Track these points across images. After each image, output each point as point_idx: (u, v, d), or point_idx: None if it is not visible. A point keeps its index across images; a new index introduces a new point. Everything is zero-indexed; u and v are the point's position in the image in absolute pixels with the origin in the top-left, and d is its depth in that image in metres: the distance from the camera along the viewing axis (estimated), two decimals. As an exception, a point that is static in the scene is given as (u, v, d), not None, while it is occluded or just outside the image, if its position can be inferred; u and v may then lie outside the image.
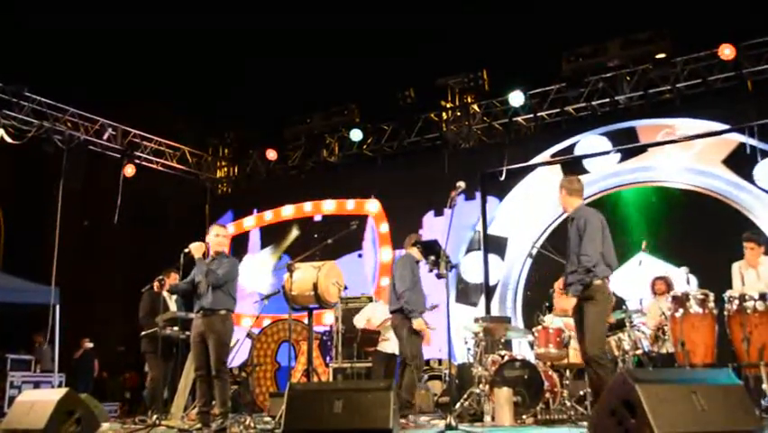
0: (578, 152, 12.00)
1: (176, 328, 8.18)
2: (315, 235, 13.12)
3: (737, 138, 10.75)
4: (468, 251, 12.41)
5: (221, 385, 6.40)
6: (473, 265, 12.37)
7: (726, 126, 10.79)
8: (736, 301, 6.54)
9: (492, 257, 12.28)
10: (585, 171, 11.50)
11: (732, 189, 10.76)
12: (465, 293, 12.24)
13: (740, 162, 10.73)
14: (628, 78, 11.63)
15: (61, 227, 12.00)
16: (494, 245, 12.31)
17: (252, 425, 5.50)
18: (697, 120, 11.20)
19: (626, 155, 11.62)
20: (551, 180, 11.81)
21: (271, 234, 14.75)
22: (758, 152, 10.55)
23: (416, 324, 7.23)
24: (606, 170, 11.53)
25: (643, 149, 11.49)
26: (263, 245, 14.75)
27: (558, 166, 12.04)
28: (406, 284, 7.30)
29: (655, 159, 11.44)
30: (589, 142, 11.99)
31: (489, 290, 12.16)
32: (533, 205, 12.11)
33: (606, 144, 11.80)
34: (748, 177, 10.65)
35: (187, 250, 7.22)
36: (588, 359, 5.40)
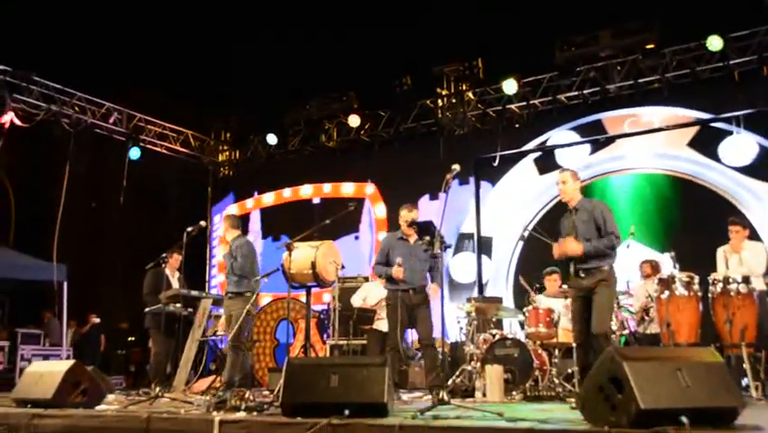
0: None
1: (178, 305, 8.18)
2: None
3: (695, 117, 10.96)
4: (455, 252, 12.39)
5: (231, 358, 7.14)
6: (463, 266, 12.39)
7: (713, 116, 10.78)
8: (720, 284, 6.58)
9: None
10: (558, 166, 11.37)
11: (702, 170, 10.83)
12: (457, 293, 12.22)
13: (704, 143, 10.84)
14: (619, 68, 11.58)
15: (69, 208, 11.97)
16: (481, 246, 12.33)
17: (252, 398, 5.49)
18: (662, 107, 11.31)
19: (596, 147, 11.67)
20: (531, 172, 12.06)
21: (271, 216, 14.75)
22: (721, 131, 10.69)
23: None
24: (577, 163, 11.45)
25: (611, 139, 11.59)
26: (263, 227, 14.73)
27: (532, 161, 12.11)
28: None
29: (624, 148, 11.49)
30: (560, 136, 12.03)
31: (481, 271, 12.17)
32: (517, 197, 12.13)
33: (575, 138, 11.83)
34: (714, 156, 10.74)
35: (190, 230, 7.26)
36: (597, 335, 5.56)
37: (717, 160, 10.72)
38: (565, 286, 8.20)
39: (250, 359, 8.59)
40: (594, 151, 11.67)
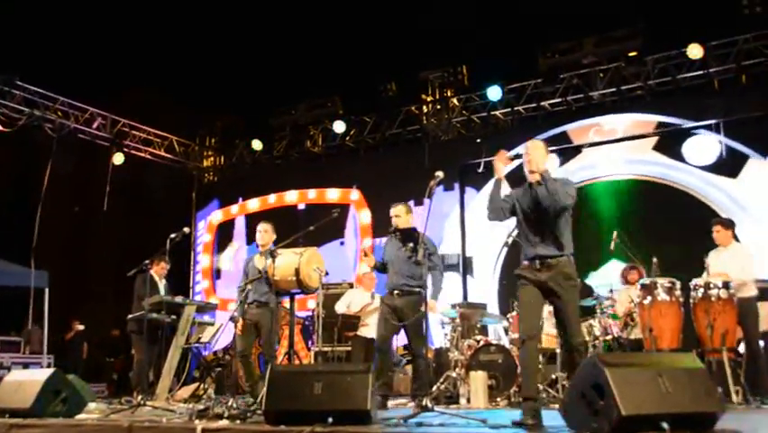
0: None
1: (162, 313, 8.12)
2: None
3: (656, 122, 11.21)
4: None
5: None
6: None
7: (694, 123, 10.87)
8: (701, 289, 6.62)
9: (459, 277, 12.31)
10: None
11: (669, 172, 11.04)
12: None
13: (668, 146, 11.06)
14: (602, 75, 11.67)
15: (52, 214, 11.89)
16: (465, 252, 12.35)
17: (234, 405, 5.46)
18: (630, 114, 11.53)
19: (565, 158, 11.80)
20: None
21: (256, 223, 14.69)
22: (681, 133, 10.98)
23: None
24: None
25: (578, 150, 11.76)
26: (248, 233, 14.69)
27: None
28: None
29: (593, 157, 11.60)
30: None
31: (466, 277, 12.19)
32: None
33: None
34: (679, 157, 10.96)
35: (173, 236, 7.21)
36: (577, 345, 5.00)
37: (683, 160, 10.94)
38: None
39: (235, 366, 8.53)
40: (563, 162, 11.74)
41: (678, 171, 10.96)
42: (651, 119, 11.31)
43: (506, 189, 5.32)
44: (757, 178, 10.40)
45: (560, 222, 5.01)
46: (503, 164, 5.22)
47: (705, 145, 10.81)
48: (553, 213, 4.97)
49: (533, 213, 5.08)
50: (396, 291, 6.69)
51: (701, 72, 11.04)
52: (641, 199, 11.17)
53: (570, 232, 5.08)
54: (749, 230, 9.91)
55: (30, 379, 6.07)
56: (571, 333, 4.96)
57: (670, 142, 11.05)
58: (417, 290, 6.64)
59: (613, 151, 11.50)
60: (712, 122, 10.60)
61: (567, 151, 11.77)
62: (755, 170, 10.44)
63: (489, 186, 5.26)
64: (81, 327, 13.48)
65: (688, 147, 10.93)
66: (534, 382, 5.03)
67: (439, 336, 9.49)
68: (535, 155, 5.07)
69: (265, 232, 7.30)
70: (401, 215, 6.91)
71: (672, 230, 10.19)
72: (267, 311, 6.90)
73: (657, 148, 11.18)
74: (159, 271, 8.89)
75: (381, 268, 7.05)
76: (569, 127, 11.89)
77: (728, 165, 10.58)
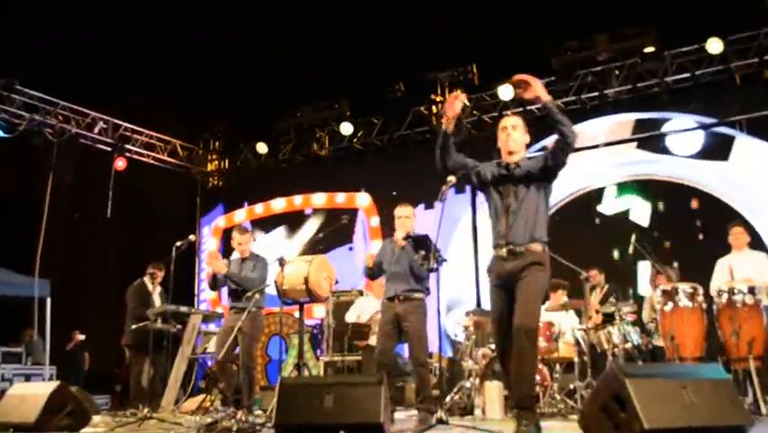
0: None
1: (168, 322, 8.14)
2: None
3: (631, 120, 11.41)
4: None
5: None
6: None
7: (714, 120, 10.82)
8: (726, 295, 6.56)
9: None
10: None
11: (659, 168, 11.14)
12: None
13: (650, 141, 11.21)
14: (617, 72, 11.62)
15: (53, 221, 11.92)
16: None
17: (244, 418, 5.46)
18: (604, 118, 11.70)
19: None
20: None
21: (262, 227, 14.72)
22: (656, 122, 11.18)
23: None
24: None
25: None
26: (254, 238, 14.66)
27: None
28: None
29: (581, 164, 11.52)
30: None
31: (479, 283, 12.15)
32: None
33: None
34: (664, 151, 11.08)
35: (179, 244, 7.24)
36: (524, 327, 4.47)
37: (669, 153, 11.05)
38: (566, 299, 8.21)
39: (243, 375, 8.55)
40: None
41: (668, 165, 11.07)
42: (629, 118, 11.51)
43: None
44: (748, 156, 10.49)
45: (538, 204, 4.72)
46: (455, 109, 4.96)
47: (686, 134, 11.00)
48: (535, 190, 4.72)
49: (506, 192, 4.79)
50: (398, 297, 6.54)
51: (721, 68, 10.97)
52: (642, 199, 11.20)
53: (546, 216, 4.76)
54: (751, 207, 10.16)
55: (34, 392, 6.09)
56: (519, 312, 4.51)
57: (650, 138, 11.22)
58: (420, 295, 6.59)
59: (597, 157, 11.55)
60: (735, 119, 10.55)
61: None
62: (743, 147, 10.53)
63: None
64: (82, 338, 13.51)
65: (671, 139, 11.09)
66: (520, 389, 4.57)
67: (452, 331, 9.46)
68: (515, 135, 4.89)
69: (243, 243, 7.42)
70: (411, 216, 6.86)
71: (684, 230, 10.26)
72: (247, 318, 6.85)
73: (640, 146, 11.34)
74: (150, 280, 8.92)
75: (376, 272, 6.90)
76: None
77: (716, 149, 10.70)
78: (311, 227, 13.96)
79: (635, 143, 11.37)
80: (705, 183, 10.75)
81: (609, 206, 11.46)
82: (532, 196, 4.71)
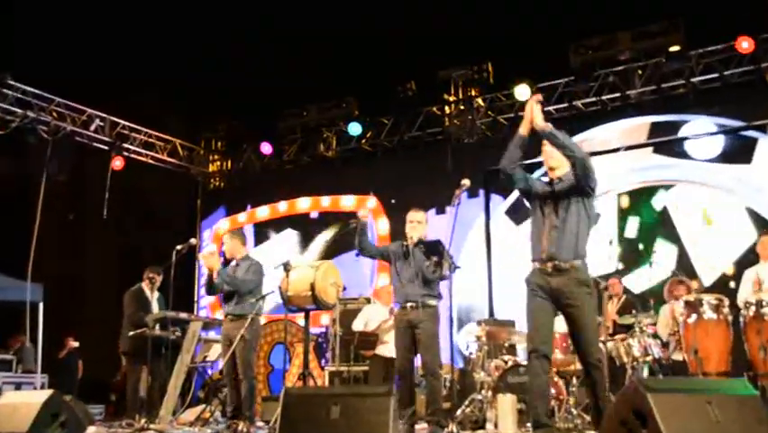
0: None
1: (168, 329, 8.16)
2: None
3: (647, 123, 11.49)
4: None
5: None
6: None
7: (742, 123, 10.81)
8: (753, 307, 6.55)
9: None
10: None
11: (679, 173, 11.23)
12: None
13: (667, 145, 11.29)
14: (640, 72, 11.62)
15: (46, 222, 11.96)
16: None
17: (246, 430, 5.49)
18: (621, 121, 11.77)
19: None
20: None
21: (265, 231, 14.76)
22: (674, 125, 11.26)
23: None
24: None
25: None
26: (257, 243, 14.72)
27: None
28: None
29: (601, 169, 11.56)
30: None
31: (492, 291, 12.16)
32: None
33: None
34: (682, 155, 11.16)
35: (179, 247, 7.28)
36: (595, 361, 4.95)
37: (687, 157, 11.12)
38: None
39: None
40: None
41: (687, 170, 11.14)
42: (645, 121, 11.55)
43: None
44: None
45: (579, 220, 5.00)
46: (534, 114, 5.15)
47: (705, 137, 11.06)
48: (575, 206, 4.99)
49: (550, 207, 5.07)
50: (410, 304, 6.60)
51: (752, 67, 10.95)
52: (660, 205, 11.31)
53: (587, 233, 5.06)
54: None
55: (26, 401, 6.11)
56: (587, 348, 4.92)
57: (666, 142, 11.29)
58: (433, 302, 6.62)
59: (611, 162, 11.56)
60: (765, 122, 10.53)
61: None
62: (768, 150, 10.59)
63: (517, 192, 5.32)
64: (75, 344, 13.53)
65: (689, 143, 11.14)
66: (544, 404, 5.01)
67: (462, 344, 9.48)
68: (552, 151, 5.14)
69: (224, 243, 7.62)
70: (423, 221, 6.88)
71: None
72: (241, 325, 6.91)
73: (657, 150, 11.39)
74: (149, 285, 8.96)
75: (367, 250, 6.99)
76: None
77: (738, 152, 10.74)
78: (317, 232, 13.97)
79: (650, 148, 11.40)
80: (726, 187, 10.80)
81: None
82: (573, 211, 5.00)
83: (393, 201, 12.92)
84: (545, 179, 5.33)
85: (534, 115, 5.10)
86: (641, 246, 11.19)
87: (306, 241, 14.18)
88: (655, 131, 11.46)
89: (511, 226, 12.37)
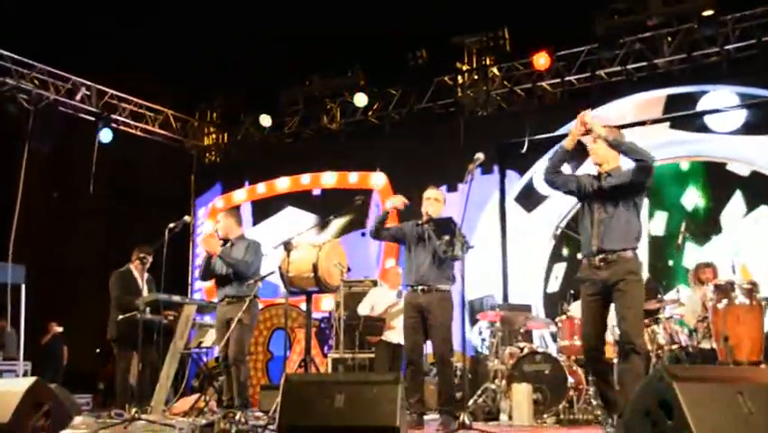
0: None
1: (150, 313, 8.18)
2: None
3: (662, 97, 11.45)
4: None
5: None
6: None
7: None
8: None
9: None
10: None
11: (700, 147, 11.20)
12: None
13: (682, 120, 11.28)
14: (669, 39, 11.54)
15: (29, 199, 11.98)
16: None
17: (243, 420, 5.53)
18: (626, 98, 11.74)
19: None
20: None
21: (264, 209, 14.77)
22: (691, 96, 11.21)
23: None
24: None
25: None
26: (255, 222, 14.75)
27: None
28: None
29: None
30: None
31: (506, 274, 12.18)
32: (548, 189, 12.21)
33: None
34: (701, 128, 11.15)
35: (172, 226, 7.29)
36: (636, 346, 5.27)
37: (707, 130, 11.09)
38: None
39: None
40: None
41: (707, 144, 11.11)
42: (660, 94, 11.49)
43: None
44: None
45: (629, 211, 5.34)
46: (591, 125, 5.38)
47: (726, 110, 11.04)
48: (622, 200, 5.33)
49: (599, 202, 5.42)
50: (421, 287, 6.66)
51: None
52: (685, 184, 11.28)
53: (638, 222, 5.40)
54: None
55: (6, 389, 6.11)
56: (628, 329, 5.21)
57: (684, 116, 11.27)
58: (445, 286, 6.66)
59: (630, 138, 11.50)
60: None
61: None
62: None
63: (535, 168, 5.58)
64: (59, 330, 13.60)
65: (709, 117, 11.10)
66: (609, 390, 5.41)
67: (476, 341, 9.51)
68: (596, 148, 5.50)
69: (218, 222, 7.67)
70: (440, 199, 6.90)
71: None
72: (240, 308, 6.93)
73: (673, 126, 11.37)
74: (138, 266, 8.96)
75: (381, 236, 7.20)
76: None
77: (762, 122, 10.71)
78: (319, 210, 13.97)
79: (666, 124, 11.37)
80: (750, 160, 10.77)
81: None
82: (621, 207, 5.35)
83: (379, 168, 12.98)
84: (592, 171, 5.65)
85: (593, 125, 5.36)
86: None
87: (307, 219, 14.19)
88: (672, 104, 11.39)
89: (523, 213, 12.37)
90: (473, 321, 10.59)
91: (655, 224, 11.15)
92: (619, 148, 5.35)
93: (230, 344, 7.07)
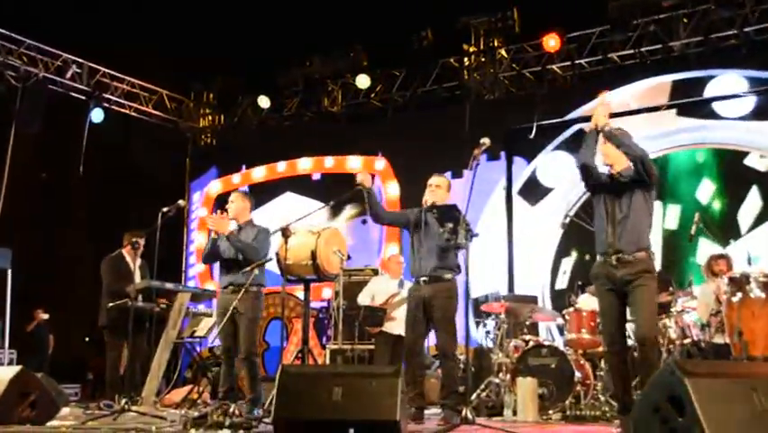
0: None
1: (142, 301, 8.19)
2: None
3: (668, 82, 11.53)
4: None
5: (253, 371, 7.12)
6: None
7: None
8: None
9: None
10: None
11: (709, 134, 11.26)
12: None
13: (690, 107, 11.33)
14: (685, 21, 11.51)
15: (16, 180, 11.98)
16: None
17: (238, 413, 5.54)
18: (635, 84, 11.79)
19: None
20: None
21: (262, 195, 14.75)
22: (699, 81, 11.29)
23: None
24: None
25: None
26: (253, 207, 14.70)
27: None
28: None
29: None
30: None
31: (512, 265, 12.18)
32: (557, 176, 12.28)
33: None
34: (710, 115, 11.20)
35: (166, 210, 7.27)
36: (651, 339, 5.47)
37: (716, 117, 11.14)
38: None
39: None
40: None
41: (717, 130, 11.16)
42: (665, 80, 11.54)
43: None
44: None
45: (642, 213, 5.54)
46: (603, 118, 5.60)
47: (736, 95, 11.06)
48: (637, 198, 5.52)
49: (614, 201, 5.59)
50: (423, 278, 6.66)
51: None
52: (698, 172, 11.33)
53: (650, 220, 5.62)
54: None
55: (-9, 378, 6.15)
56: (641, 322, 5.39)
57: (692, 103, 11.32)
58: (449, 276, 6.65)
59: (631, 128, 11.47)
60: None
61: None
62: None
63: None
64: (45, 317, 13.61)
65: (719, 103, 11.16)
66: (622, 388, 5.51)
67: (480, 333, 9.51)
68: (606, 149, 5.66)
69: (231, 202, 7.46)
70: (443, 186, 6.88)
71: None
72: (246, 298, 6.82)
73: (681, 113, 11.42)
74: (131, 252, 8.93)
75: (382, 217, 7.16)
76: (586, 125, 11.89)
77: None
78: (319, 195, 13.96)
79: (674, 110, 11.40)
80: (760, 146, 10.81)
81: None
82: (637, 203, 5.54)
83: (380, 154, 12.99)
84: (606, 170, 5.79)
85: (598, 112, 5.64)
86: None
87: (307, 205, 14.19)
88: (678, 90, 11.40)
89: (526, 207, 12.37)
90: (477, 321, 10.63)
91: (669, 218, 11.17)
92: (612, 140, 5.55)
93: (240, 339, 6.96)
